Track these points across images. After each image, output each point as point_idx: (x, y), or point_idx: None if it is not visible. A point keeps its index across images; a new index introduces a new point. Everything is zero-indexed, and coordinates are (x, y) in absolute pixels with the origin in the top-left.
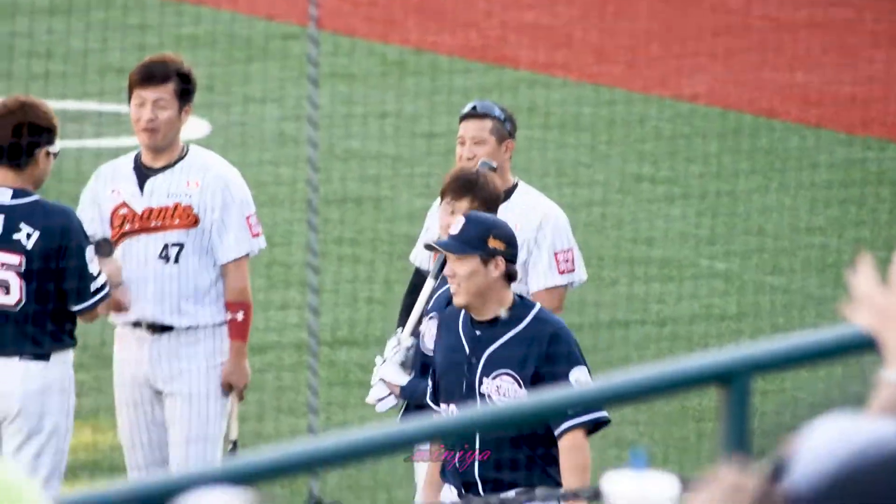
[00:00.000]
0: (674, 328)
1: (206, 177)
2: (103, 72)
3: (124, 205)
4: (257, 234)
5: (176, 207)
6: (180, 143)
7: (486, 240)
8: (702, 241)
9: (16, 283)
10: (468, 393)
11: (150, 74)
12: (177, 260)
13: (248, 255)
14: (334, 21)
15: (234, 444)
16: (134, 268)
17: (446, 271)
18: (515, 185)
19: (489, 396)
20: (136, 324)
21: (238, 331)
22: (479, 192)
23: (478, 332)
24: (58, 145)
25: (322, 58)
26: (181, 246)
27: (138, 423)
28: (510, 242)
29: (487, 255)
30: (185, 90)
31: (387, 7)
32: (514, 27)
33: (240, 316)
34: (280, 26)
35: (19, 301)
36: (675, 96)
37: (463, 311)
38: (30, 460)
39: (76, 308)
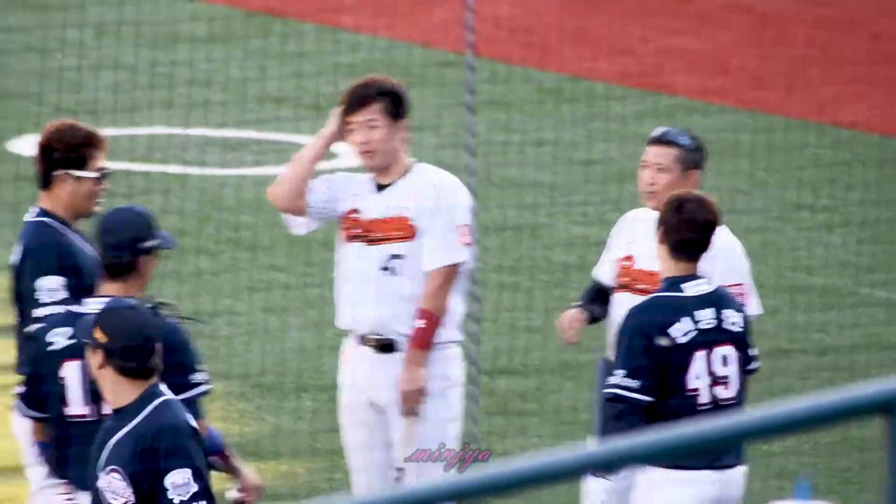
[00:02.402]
0: (835, 358)
1: (428, 190)
2: (262, 100)
3: (356, 210)
4: (467, 244)
5: (397, 220)
6: (404, 159)
7: (93, 330)
8: (862, 269)
9: None
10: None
11: (354, 99)
12: (397, 271)
13: (454, 264)
14: (490, 48)
15: (400, 473)
16: (356, 276)
17: None
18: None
19: (102, 493)
20: (361, 338)
21: (418, 338)
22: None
23: (107, 423)
24: (89, 172)
25: (479, 85)
26: (401, 257)
27: (369, 443)
28: (115, 335)
29: (92, 346)
30: (395, 106)
31: (543, 34)
32: (671, 53)
33: (422, 323)
34: (437, 53)
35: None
36: (834, 123)
37: None
38: None
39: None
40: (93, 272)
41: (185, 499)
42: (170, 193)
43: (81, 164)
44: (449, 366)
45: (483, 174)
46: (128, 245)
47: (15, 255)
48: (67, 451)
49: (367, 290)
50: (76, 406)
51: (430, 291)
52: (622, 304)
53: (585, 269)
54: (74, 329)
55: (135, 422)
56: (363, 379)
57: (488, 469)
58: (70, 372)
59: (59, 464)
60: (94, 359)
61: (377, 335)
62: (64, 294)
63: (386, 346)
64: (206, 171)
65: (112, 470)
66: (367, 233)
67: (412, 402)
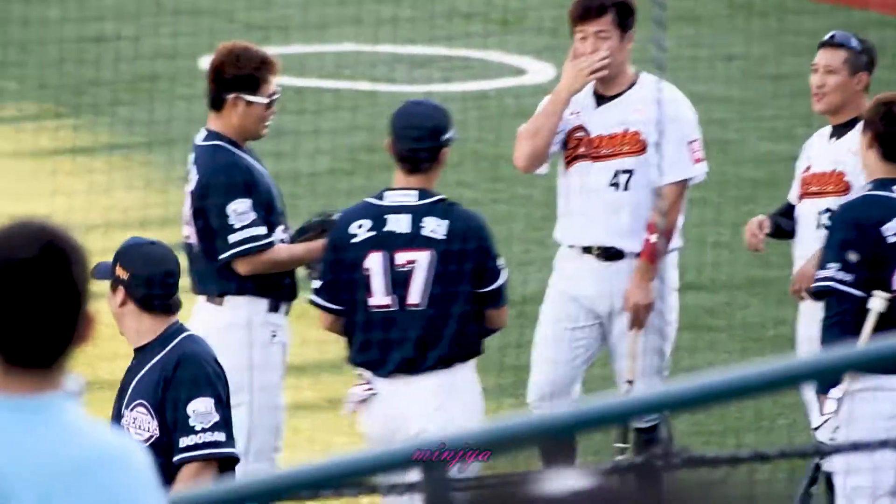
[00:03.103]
0: None
1: (653, 102)
2: (450, 16)
3: (581, 128)
4: (699, 161)
5: (625, 135)
6: (630, 72)
7: (115, 267)
8: None
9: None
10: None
11: (588, 8)
12: (626, 187)
13: (686, 180)
14: None
15: (629, 385)
16: (585, 191)
17: None
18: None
19: (128, 429)
20: (587, 249)
21: (648, 252)
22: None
23: (134, 361)
24: (260, 97)
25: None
26: (630, 173)
27: (562, 338)
28: (136, 271)
29: (113, 283)
30: (625, 19)
31: None
32: None
33: (654, 238)
34: None
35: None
36: None
37: None
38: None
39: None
40: (270, 190)
41: (206, 426)
42: (358, 110)
43: (254, 87)
44: (669, 271)
45: None
46: (429, 137)
47: (192, 180)
48: (368, 340)
49: (596, 206)
50: (378, 296)
51: (662, 206)
52: (802, 214)
53: (774, 185)
54: (372, 221)
55: (158, 357)
56: (586, 290)
57: (679, 384)
58: (372, 263)
59: (359, 353)
60: (116, 296)
61: (604, 246)
62: (253, 215)
63: (613, 256)
64: (395, 87)
65: (137, 404)
66: (595, 149)
67: (641, 314)
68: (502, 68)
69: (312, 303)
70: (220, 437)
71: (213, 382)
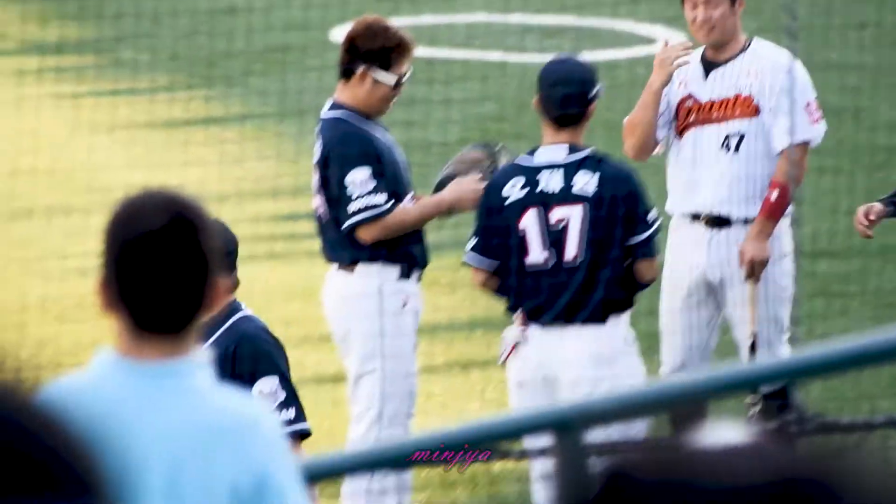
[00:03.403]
0: None
1: (765, 66)
2: None
3: (690, 97)
4: (817, 121)
5: (737, 98)
6: (741, 36)
7: None
8: None
9: None
10: None
11: None
12: (737, 151)
13: (806, 142)
14: None
15: (754, 336)
16: (696, 158)
17: None
18: None
19: None
20: (695, 217)
21: (768, 209)
22: None
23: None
24: (390, 76)
25: None
26: (742, 136)
27: (682, 308)
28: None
29: None
30: None
31: None
32: None
33: (774, 195)
34: None
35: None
36: None
37: None
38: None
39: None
40: (395, 160)
41: (274, 406)
42: (489, 80)
43: (385, 65)
44: (784, 235)
45: (804, 57)
46: (576, 92)
47: (317, 152)
48: (524, 297)
49: (705, 171)
50: (535, 254)
51: (784, 167)
52: None
53: None
54: (524, 180)
55: (215, 336)
56: (696, 258)
57: (812, 351)
58: (527, 221)
59: (515, 308)
60: None
61: (715, 214)
62: (373, 184)
63: (721, 223)
64: (525, 57)
65: None
66: (706, 115)
67: (756, 269)
68: (633, 37)
69: (466, 263)
70: (289, 413)
71: (275, 360)
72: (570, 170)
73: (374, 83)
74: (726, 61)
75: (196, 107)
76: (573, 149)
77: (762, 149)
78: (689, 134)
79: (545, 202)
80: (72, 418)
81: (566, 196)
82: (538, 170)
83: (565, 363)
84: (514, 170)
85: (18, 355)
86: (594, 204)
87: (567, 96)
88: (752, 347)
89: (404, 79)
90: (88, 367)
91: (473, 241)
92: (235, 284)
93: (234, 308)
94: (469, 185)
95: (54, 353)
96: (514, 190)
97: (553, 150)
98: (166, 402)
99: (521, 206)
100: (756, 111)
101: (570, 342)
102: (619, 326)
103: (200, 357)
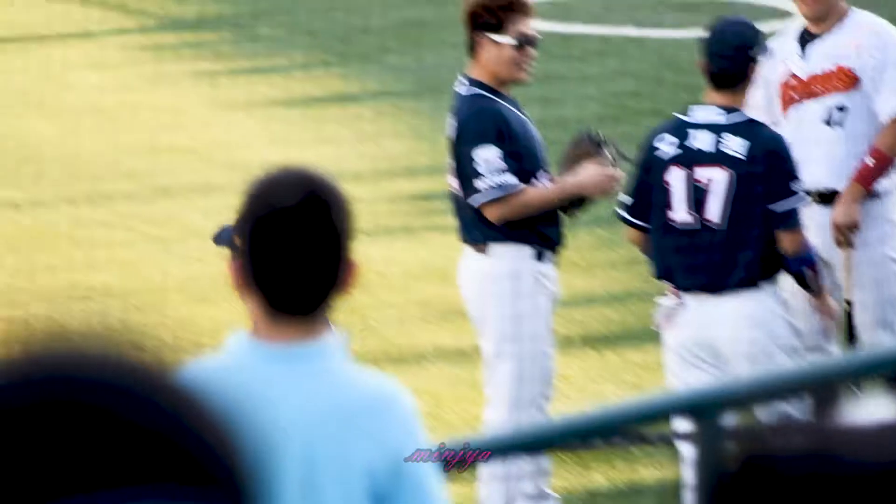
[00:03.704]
0: None
1: (865, 36)
2: None
3: (790, 74)
4: None
5: (837, 70)
6: (842, 7)
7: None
8: None
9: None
10: None
11: None
12: (841, 124)
13: None
14: None
15: (849, 305)
16: (800, 135)
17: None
18: None
19: None
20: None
21: (863, 175)
22: None
23: None
24: (506, 37)
25: None
26: (844, 109)
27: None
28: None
29: None
30: None
31: None
32: None
33: (871, 161)
34: None
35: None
36: None
37: None
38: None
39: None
40: (529, 137)
41: None
42: (625, 56)
43: (497, 27)
44: (893, 212)
45: None
46: (736, 54)
47: (450, 128)
48: (671, 255)
49: (811, 147)
50: (679, 212)
51: (886, 136)
52: None
53: None
54: (676, 136)
55: None
56: (811, 237)
57: None
58: (673, 178)
59: (663, 268)
60: None
61: (820, 190)
62: (502, 163)
63: (829, 198)
64: (662, 32)
65: None
66: (807, 90)
67: (845, 235)
68: (769, 11)
69: (619, 216)
70: None
71: None
72: (723, 131)
73: (494, 47)
74: (824, 34)
75: (332, 84)
76: (729, 111)
77: (866, 120)
78: (793, 110)
79: (692, 161)
80: (211, 400)
81: (714, 157)
82: (691, 127)
83: (721, 327)
84: (669, 126)
85: (158, 336)
86: (742, 167)
87: (726, 57)
88: (849, 317)
89: (527, 39)
90: (223, 349)
91: (626, 198)
92: None
93: None
94: (595, 171)
95: (194, 335)
96: (665, 145)
97: (709, 111)
98: (300, 385)
99: (669, 162)
100: (857, 82)
101: (723, 306)
102: (771, 290)
103: (335, 338)
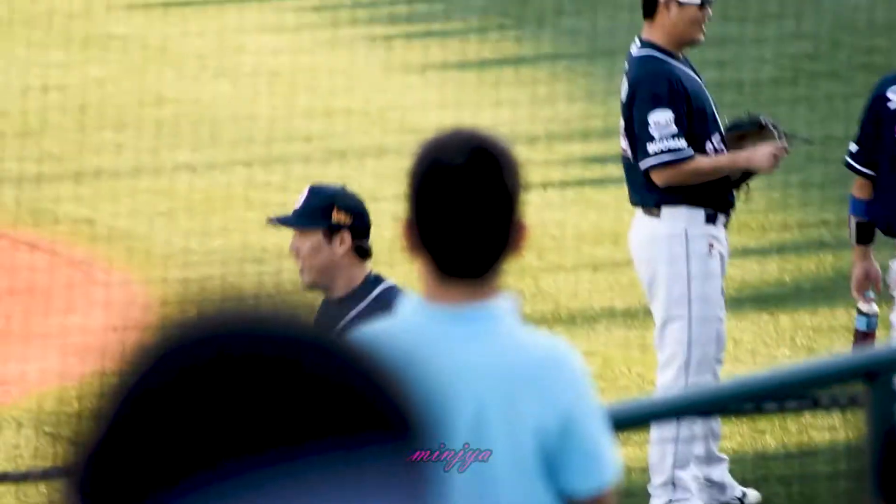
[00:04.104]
0: None
1: None
2: None
3: None
4: None
5: None
6: None
7: (329, 212)
8: None
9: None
10: None
11: None
12: None
13: None
14: None
15: None
16: None
17: (291, 246)
18: None
19: None
20: None
21: None
22: None
23: (328, 312)
24: None
25: None
26: None
27: None
28: (357, 212)
29: (333, 229)
30: None
31: None
32: None
33: None
34: None
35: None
36: None
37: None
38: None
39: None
40: (703, 99)
41: None
42: (802, 18)
43: None
44: None
45: None
46: None
47: (623, 91)
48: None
49: None
50: None
51: None
52: None
53: None
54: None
55: (361, 307)
56: None
57: None
58: None
59: (887, 219)
60: (337, 243)
61: None
62: (675, 127)
63: None
64: None
65: None
66: None
67: None
68: None
69: (848, 165)
70: None
71: None
72: None
73: (679, 9)
74: None
75: (507, 47)
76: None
77: None
78: None
79: None
80: (387, 359)
81: None
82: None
83: None
84: None
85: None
86: None
87: None
88: None
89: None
90: (395, 311)
91: (853, 146)
92: (369, 253)
93: (376, 277)
94: (767, 149)
95: None
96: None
97: None
98: (472, 346)
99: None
100: None
101: None
102: None
103: (506, 299)
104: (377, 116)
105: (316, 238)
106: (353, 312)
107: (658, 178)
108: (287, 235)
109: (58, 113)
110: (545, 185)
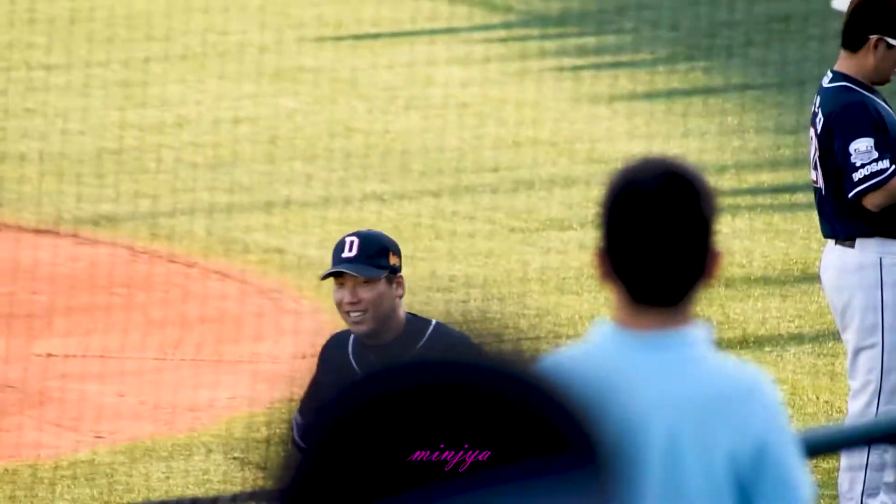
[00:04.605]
0: None
1: None
2: None
3: None
4: None
5: None
6: None
7: (386, 257)
8: None
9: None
10: None
11: None
12: None
13: None
14: None
15: None
16: None
17: (349, 297)
18: None
19: None
20: None
21: None
22: None
23: (373, 358)
24: None
25: None
26: None
27: None
28: (401, 256)
29: (392, 273)
30: None
31: None
32: None
33: None
34: None
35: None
36: None
37: (352, 338)
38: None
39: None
40: (894, 130)
41: None
42: None
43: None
44: None
45: None
46: None
47: (818, 123)
48: None
49: None
50: None
51: None
52: None
53: None
54: None
55: (418, 347)
56: None
57: None
58: None
59: None
60: (394, 287)
61: None
62: (875, 153)
63: None
64: None
65: None
66: None
67: None
68: None
69: None
70: None
71: None
72: None
73: (887, 50)
74: None
75: (696, 77)
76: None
77: None
78: None
79: None
80: (574, 386)
81: None
82: None
83: None
84: None
85: (519, 325)
86: None
87: None
88: None
89: None
90: (587, 337)
91: None
92: (403, 292)
93: (413, 316)
94: None
95: (553, 324)
96: None
97: None
98: (665, 372)
99: None
100: None
101: None
102: None
103: (700, 327)
104: (565, 147)
105: (380, 285)
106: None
107: (869, 203)
108: (475, 265)
109: (249, 144)
110: (733, 214)
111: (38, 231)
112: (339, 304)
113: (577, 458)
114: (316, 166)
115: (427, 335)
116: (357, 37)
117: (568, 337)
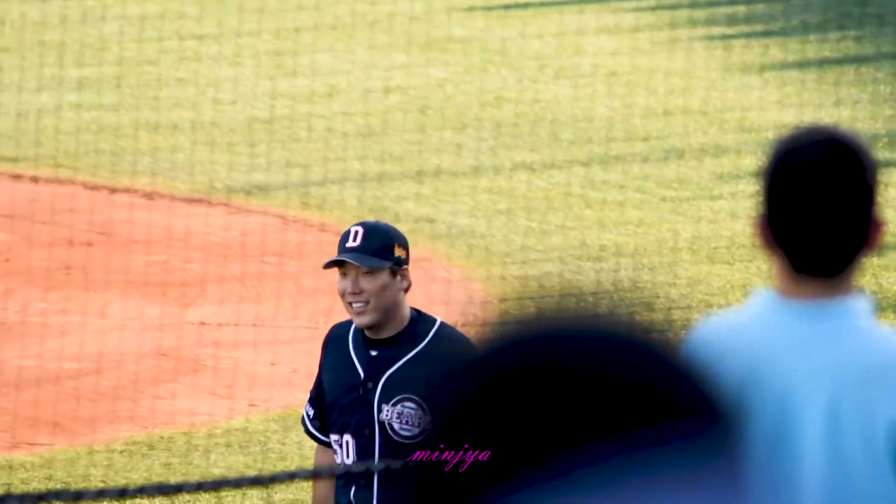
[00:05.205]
0: None
1: None
2: None
3: None
4: None
5: None
6: None
7: (392, 249)
8: None
9: None
10: (364, 421)
11: None
12: None
13: None
14: None
15: None
16: None
17: (351, 287)
18: None
19: (389, 425)
20: None
21: None
22: None
23: (373, 353)
24: None
25: None
26: None
27: None
28: (407, 248)
29: (399, 265)
30: None
31: None
32: None
33: None
34: None
35: None
36: None
37: (353, 329)
38: None
39: None
40: None
41: None
42: None
43: None
44: None
45: None
46: None
47: None
48: None
49: None
50: None
51: None
52: None
53: None
54: None
55: (420, 347)
56: None
57: None
58: None
59: None
60: (400, 279)
61: None
62: None
63: None
64: None
65: (403, 399)
66: None
67: None
68: None
69: None
70: None
71: None
72: None
73: None
74: None
75: (847, 46)
76: None
77: None
78: None
79: None
80: (703, 363)
81: None
82: None
83: None
84: None
85: (669, 295)
86: None
87: None
88: None
89: None
90: (746, 306)
91: None
92: (409, 285)
93: (419, 313)
94: None
95: (704, 294)
96: None
97: None
98: (826, 342)
99: None
100: None
101: None
102: None
103: (861, 297)
104: (715, 116)
105: (384, 276)
106: (413, 352)
107: None
108: (625, 234)
109: (399, 114)
110: (886, 184)
111: (190, 200)
112: (342, 294)
113: (700, 425)
114: (466, 136)
115: (430, 335)
116: (507, 6)
117: (719, 306)
